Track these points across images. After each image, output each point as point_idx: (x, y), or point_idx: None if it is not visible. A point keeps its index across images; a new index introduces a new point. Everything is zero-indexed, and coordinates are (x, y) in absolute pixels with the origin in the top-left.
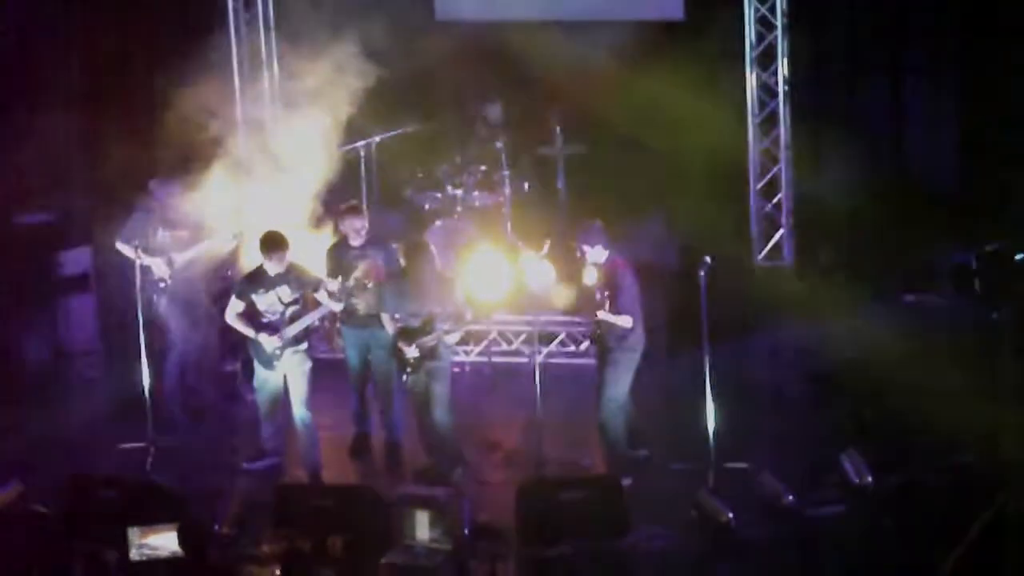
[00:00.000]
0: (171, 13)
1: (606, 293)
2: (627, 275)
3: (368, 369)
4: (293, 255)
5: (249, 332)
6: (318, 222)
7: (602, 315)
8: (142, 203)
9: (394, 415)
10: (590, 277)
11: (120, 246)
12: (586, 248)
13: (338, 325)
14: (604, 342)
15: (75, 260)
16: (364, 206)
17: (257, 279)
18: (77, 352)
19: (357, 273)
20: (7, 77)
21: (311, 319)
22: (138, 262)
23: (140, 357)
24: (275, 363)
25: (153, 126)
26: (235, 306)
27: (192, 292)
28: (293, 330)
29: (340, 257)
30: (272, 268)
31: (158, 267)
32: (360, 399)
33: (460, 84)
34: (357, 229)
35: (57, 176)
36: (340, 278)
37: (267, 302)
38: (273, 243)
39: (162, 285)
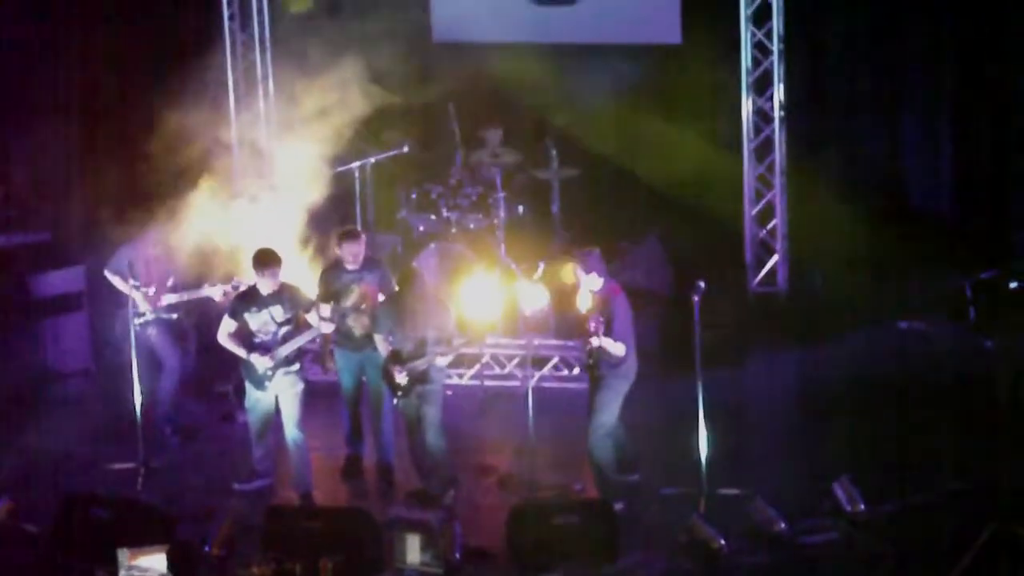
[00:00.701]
0: (166, 33)
1: (600, 320)
2: (622, 303)
3: (361, 391)
4: (286, 275)
5: (241, 352)
6: (312, 244)
7: (595, 342)
8: (133, 239)
9: (386, 437)
10: (584, 302)
11: (108, 274)
12: (582, 275)
13: (331, 347)
14: (596, 368)
15: (68, 279)
16: (360, 230)
17: (250, 298)
18: (69, 371)
19: (352, 298)
20: (1, 95)
21: (303, 340)
22: (124, 292)
23: (132, 377)
24: (267, 384)
25: (147, 146)
26: (227, 325)
27: (179, 314)
28: (285, 351)
29: (334, 280)
30: (265, 287)
31: (141, 302)
32: (352, 421)
33: (457, 107)
34: (354, 254)
35: (50, 195)
36: (333, 302)
37: (259, 321)
38: (266, 259)
39: (146, 316)
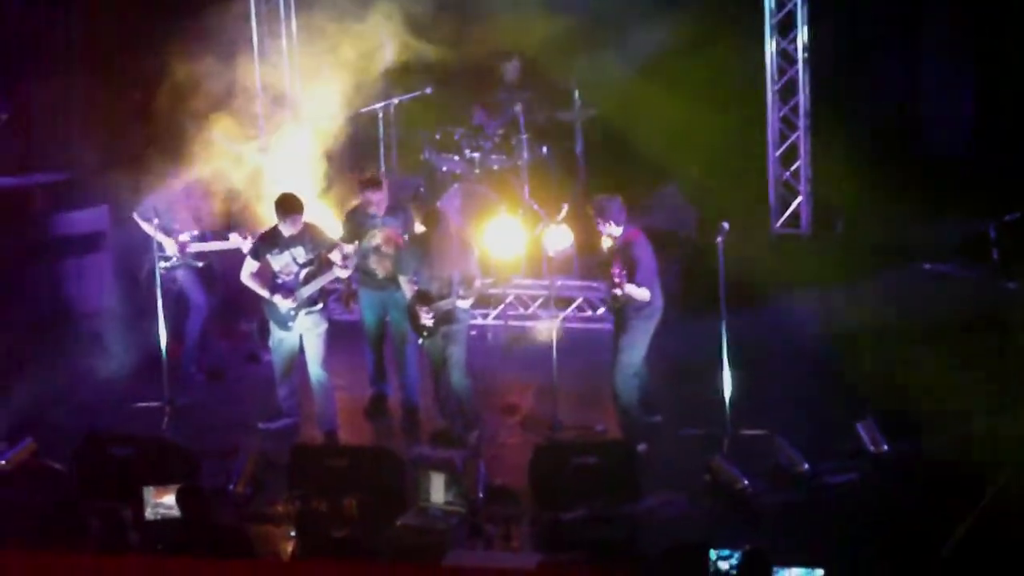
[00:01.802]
0: None
1: (623, 271)
2: (644, 248)
3: (385, 330)
4: (309, 216)
5: (264, 293)
6: (336, 186)
7: (619, 292)
8: (167, 186)
9: (410, 376)
10: (607, 243)
11: (137, 218)
12: (602, 224)
13: (354, 287)
14: (621, 309)
15: (91, 219)
16: (383, 177)
17: (272, 239)
18: (92, 311)
19: (375, 240)
20: (24, 36)
21: (324, 280)
22: (153, 236)
23: (157, 316)
24: (290, 324)
25: (168, 88)
26: (249, 266)
27: (207, 259)
28: (307, 291)
29: (358, 223)
30: (287, 229)
31: (170, 247)
32: (376, 361)
33: (477, 46)
34: (377, 202)
35: (73, 135)
36: (357, 243)
37: (281, 262)
38: (288, 205)
39: (173, 260)
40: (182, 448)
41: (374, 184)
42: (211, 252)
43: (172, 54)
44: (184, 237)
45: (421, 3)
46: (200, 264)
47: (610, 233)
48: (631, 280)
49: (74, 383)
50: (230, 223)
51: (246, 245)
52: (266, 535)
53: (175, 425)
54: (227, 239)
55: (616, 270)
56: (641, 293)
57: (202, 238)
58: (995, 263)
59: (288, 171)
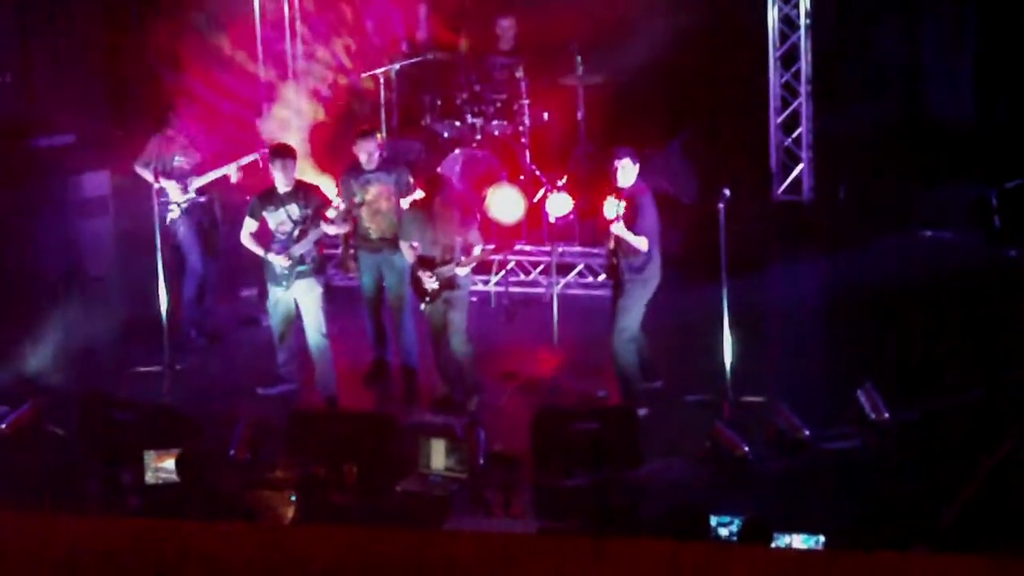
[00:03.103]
0: None
1: (626, 213)
2: (649, 203)
3: (382, 294)
4: (303, 174)
5: (259, 251)
6: (336, 152)
7: (617, 229)
8: (161, 128)
9: (408, 341)
10: (610, 208)
11: (138, 169)
12: (619, 163)
13: (352, 251)
14: (619, 272)
15: (93, 183)
16: (379, 132)
17: (268, 197)
18: (94, 275)
19: (368, 196)
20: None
21: (316, 236)
22: (155, 185)
23: (157, 280)
24: (284, 282)
25: (172, 49)
26: (248, 225)
27: (209, 217)
28: (299, 248)
29: (352, 180)
30: (281, 183)
31: (173, 190)
32: (376, 325)
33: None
34: (370, 152)
35: (76, 99)
36: (351, 199)
37: (277, 220)
38: (279, 151)
39: (176, 208)
40: (182, 413)
41: (365, 134)
42: (213, 193)
43: (176, 18)
44: (180, 163)
45: None
46: (203, 199)
47: (623, 176)
48: (630, 226)
49: (75, 347)
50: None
51: (236, 170)
52: (266, 500)
53: (175, 390)
54: (224, 166)
55: (618, 215)
56: (638, 241)
57: (201, 170)
58: (996, 230)
59: (286, 134)
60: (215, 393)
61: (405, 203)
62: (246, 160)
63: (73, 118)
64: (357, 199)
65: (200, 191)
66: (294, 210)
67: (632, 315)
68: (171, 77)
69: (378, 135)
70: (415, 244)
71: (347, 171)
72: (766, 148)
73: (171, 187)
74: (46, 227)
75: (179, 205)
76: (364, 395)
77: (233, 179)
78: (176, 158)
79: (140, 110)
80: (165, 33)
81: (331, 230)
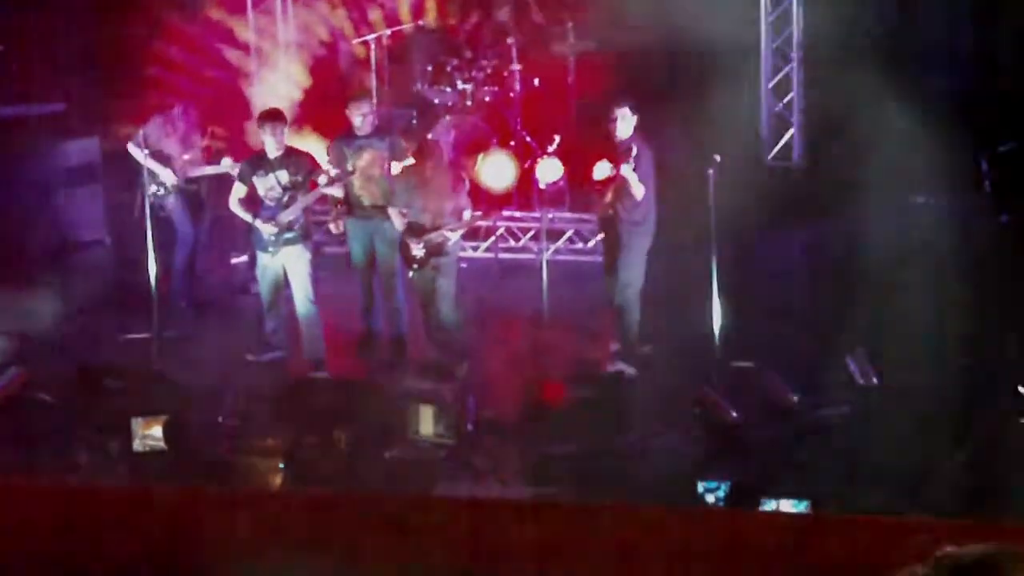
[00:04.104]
0: None
1: (629, 156)
2: (647, 152)
3: (372, 261)
4: (294, 142)
5: (247, 217)
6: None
7: (626, 171)
8: (163, 111)
9: (398, 308)
10: (601, 171)
11: (132, 149)
12: (618, 111)
13: (342, 209)
14: (618, 226)
15: (82, 150)
16: (372, 96)
17: (257, 162)
18: (83, 242)
19: (361, 162)
20: None
21: (305, 202)
22: (146, 166)
23: (146, 248)
24: (271, 248)
25: (161, 16)
26: (237, 190)
27: (197, 186)
28: (288, 215)
29: (344, 147)
30: (271, 148)
31: (166, 176)
32: (366, 293)
33: None
34: (364, 114)
35: (65, 66)
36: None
37: (266, 185)
38: (268, 114)
39: (166, 189)
40: (171, 380)
41: (357, 97)
42: (201, 177)
43: None
44: (182, 155)
45: None
46: (193, 187)
47: (623, 120)
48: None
49: (65, 314)
50: (219, 149)
51: (236, 169)
52: (255, 468)
53: (164, 357)
54: (219, 164)
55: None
56: (638, 187)
57: (196, 162)
58: (988, 195)
59: (276, 100)
60: (204, 360)
61: (396, 169)
62: (232, 168)
63: (63, 86)
64: (349, 165)
65: (190, 180)
66: (283, 176)
67: (636, 269)
68: (160, 45)
69: (371, 99)
70: (404, 211)
71: (339, 137)
72: (757, 113)
73: (164, 173)
74: (36, 194)
75: (169, 186)
76: (353, 362)
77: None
78: (173, 146)
79: (129, 77)
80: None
81: (330, 191)
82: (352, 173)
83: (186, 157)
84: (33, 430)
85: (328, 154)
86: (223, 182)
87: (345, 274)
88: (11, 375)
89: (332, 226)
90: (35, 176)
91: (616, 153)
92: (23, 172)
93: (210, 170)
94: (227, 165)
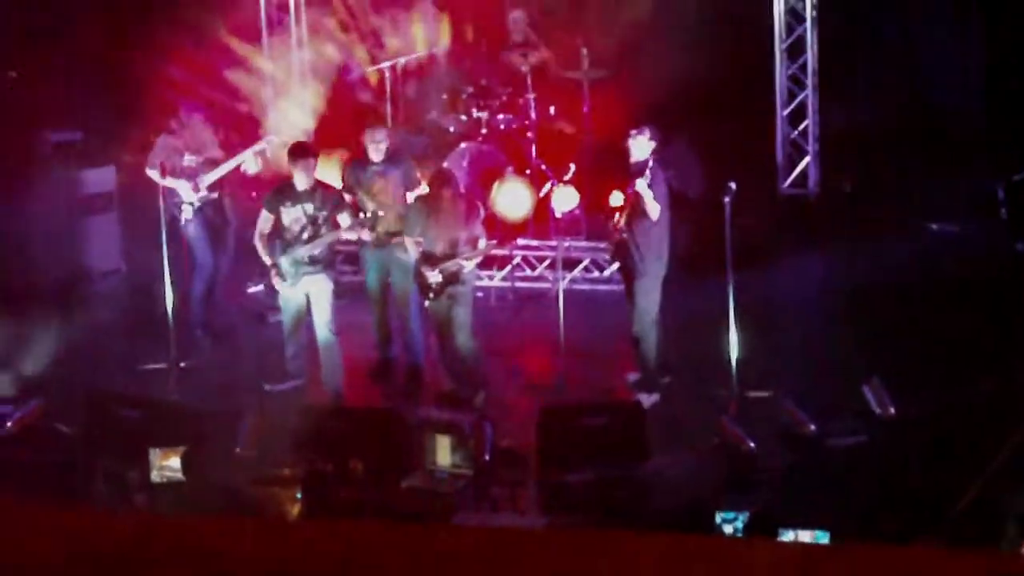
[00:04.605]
0: None
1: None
2: (661, 176)
3: (387, 290)
4: (319, 172)
5: (266, 258)
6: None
7: (640, 186)
8: (169, 127)
9: (414, 337)
10: (616, 199)
11: (149, 172)
12: (634, 133)
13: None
14: (632, 252)
15: (99, 179)
16: (387, 124)
17: (285, 192)
18: (100, 271)
19: (375, 189)
20: None
21: (328, 240)
22: (163, 184)
23: (163, 277)
24: (291, 279)
25: (176, 45)
26: (264, 219)
27: (220, 210)
28: (307, 250)
29: (359, 172)
30: (300, 182)
31: (184, 190)
32: (380, 321)
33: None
34: (378, 143)
35: (81, 95)
36: (358, 193)
37: (292, 217)
38: (301, 150)
39: (188, 208)
40: (188, 410)
41: (375, 125)
42: (222, 194)
43: (180, 14)
44: (190, 162)
45: None
46: (215, 196)
47: (639, 144)
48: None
49: (82, 344)
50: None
51: (249, 156)
52: (272, 497)
53: (182, 387)
54: (233, 158)
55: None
56: (653, 206)
57: (212, 165)
58: (1004, 223)
59: (290, 127)
60: (221, 390)
61: (410, 197)
62: (256, 148)
63: (79, 114)
64: (363, 192)
65: (211, 187)
66: (309, 208)
67: (652, 296)
68: (176, 73)
69: (387, 127)
70: (419, 239)
71: (354, 162)
72: (772, 141)
73: (182, 186)
74: (52, 223)
75: (191, 204)
76: (371, 391)
77: (252, 171)
78: (186, 157)
79: (146, 106)
80: (170, 29)
81: (347, 235)
82: (375, 212)
83: (199, 160)
84: (50, 460)
85: (342, 179)
86: (243, 212)
87: (363, 303)
88: (28, 405)
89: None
90: (52, 204)
91: (631, 175)
92: (40, 200)
93: (227, 166)
94: (244, 157)
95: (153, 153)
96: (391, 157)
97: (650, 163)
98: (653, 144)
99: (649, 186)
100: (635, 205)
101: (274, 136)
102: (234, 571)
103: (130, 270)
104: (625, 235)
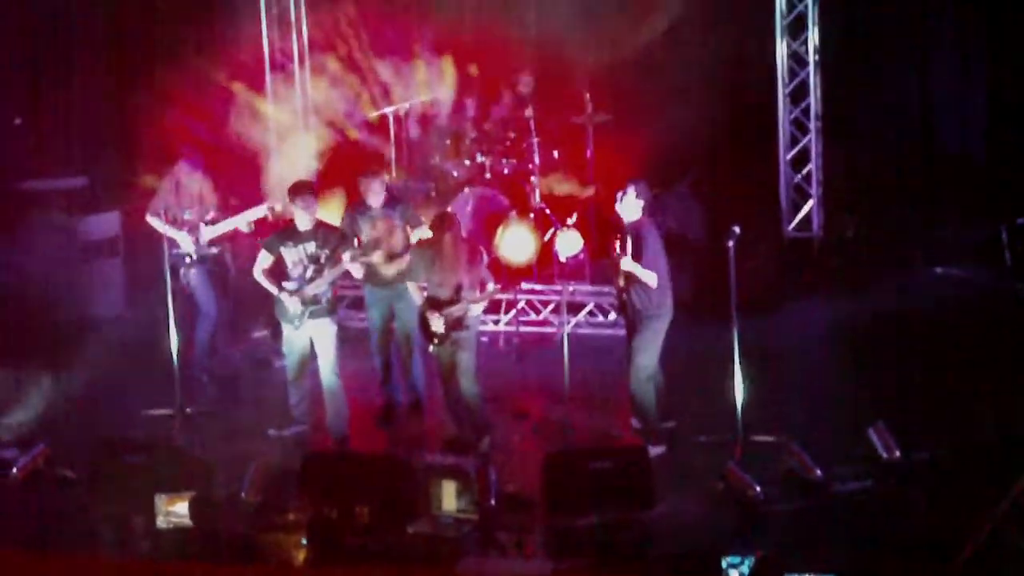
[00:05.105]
0: None
1: (631, 248)
2: (654, 235)
3: (391, 331)
4: (321, 213)
5: (272, 288)
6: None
7: (626, 264)
8: (170, 178)
9: (416, 376)
10: (618, 245)
11: (150, 219)
12: (621, 197)
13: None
14: (632, 309)
15: (104, 224)
16: (385, 172)
17: (287, 233)
18: (104, 317)
19: (376, 232)
20: (39, 44)
21: (331, 277)
22: (165, 232)
23: (168, 323)
24: (297, 322)
25: (180, 91)
26: (263, 260)
27: (221, 261)
28: (313, 288)
29: (358, 217)
30: (302, 222)
31: (184, 241)
32: (385, 364)
33: (489, 51)
34: (375, 192)
35: (85, 141)
36: (357, 237)
37: (294, 257)
38: (299, 188)
39: (188, 259)
40: (193, 456)
41: (371, 173)
42: (223, 244)
43: (183, 61)
44: (190, 216)
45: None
46: (215, 250)
47: (628, 211)
48: (636, 258)
49: (87, 390)
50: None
51: (252, 216)
52: (277, 543)
53: (186, 432)
54: (236, 216)
55: (621, 246)
56: (647, 275)
57: (212, 222)
58: (1007, 266)
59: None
60: (226, 435)
61: (413, 236)
62: (255, 214)
63: (83, 160)
64: (364, 236)
65: (211, 242)
66: (311, 247)
67: (649, 353)
68: (180, 119)
69: (384, 175)
70: (423, 284)
71: (353, 208)
72: (776, 185)
73: (183, 239)
74: (57, 268)
75: (191, 256)
76: (375, 436)
77: (245, 230)
78: (187, 212)
79: (150, 153)
80: (174, 75)
81: (350, 266)
82: (370, 247)
83: (206, 217)
84: (55, 506)
85: (342, 224)
86: (245, 252)
87: (368, 348)
88: (33, 451)
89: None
90: (56, 250)
91: (623, 238)
92: (44, 246)
93: (225, 226)
94: (241, 220)
95: (155, 201)
96: (388, 201)
97: (635, 231)
98: (642, 203)
99: (639, 256)
100: (630, 274)
101: (275, 204)
102: None
103: (134, 316)
104: (624, 296)
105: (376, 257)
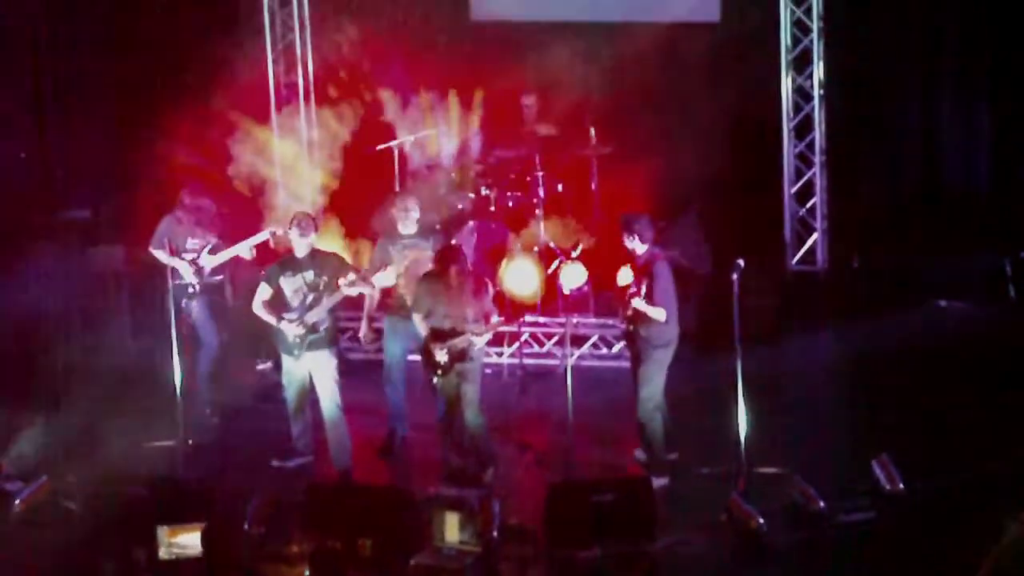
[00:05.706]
0: (205, 14)
1: (642, 284)
2: (663, 269)
3: (406, 362)
4: (321, 242)
5: (271, 320)
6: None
7: (636, 303)
8: (173, 210)
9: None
10: (623, 278)
11: (153, 251)
12: (628, 239)
13: (374, 321)
14: (637, 340)
15: (107, 257)
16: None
17: (286, 263)
18: (108, 348)
19: (406, 262)
20: (45, 76)
21: (330, 304)
22: (169, 265)
23: (171, 355)
24: (296, 351)
25: (186, 124)
26: (263, 292)
27: (221, 292)
28: (313, 316)
29: (390, 246)
30: (300, 249)
31: (186, 272)
32: (396, 394)
33: (494, 86)
34: (408, 210)
35: (90, 174)
36: (390, 267)
37: (294, 286)
38: (300, 218)
39: (191, 290)
40: (197, 488)
41: (405, 195)
42: (225, 275)
43: (191, 98)
44: (193, 246)
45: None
46: (217, 279)
47: (633, 249)
48: (647, 298)
49: (90, 421)
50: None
51: (254, 241)
52: (280, 575)
53: (189, 464)
54: (237, 245)
55: (634, 285)
56: (656, 312)
57: (214, 251)
58: (1012, 299)
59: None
60: (229, 467)
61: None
62: (257, 239)
63: (87, 193)
64: (394, 266)
65: (213, 271)
66: (310, 275)
67: (655, 383)
68: (184, 152)
69: (415, 204)
70: (428, 316)
71: (385, 236)
72: (780, 218)
73: (184, 269)
74: (61, 301)
75: (193, 286)
76: (378, 468)
77: (247, 257)
78: (189, 241)
79: (154, 184)
80: (178, 108)
81: (349, 291)
82: (398, 277)
83: (207, 246)
84: (58, 538)
85: (374, 254)
86: (245, 284)
87: (370, 380)
88: (36, 483)
89: (362, 335)
90: (60, 283)
91: (637, 276)
92: (48, 279)
93: (227, 254)
94: (243, 248)
95: (158, 233)
96: (423, 230)
97: (653, 263)
98: (644, 248)
99: (651, 292)
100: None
101: (277, 228)
102: None
103: (137, 347)
104: (631, 327)
105: (401, 287)
